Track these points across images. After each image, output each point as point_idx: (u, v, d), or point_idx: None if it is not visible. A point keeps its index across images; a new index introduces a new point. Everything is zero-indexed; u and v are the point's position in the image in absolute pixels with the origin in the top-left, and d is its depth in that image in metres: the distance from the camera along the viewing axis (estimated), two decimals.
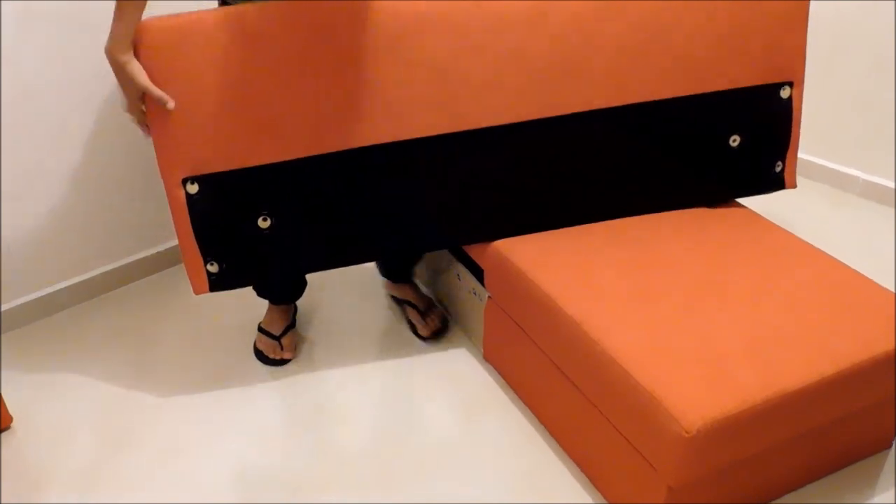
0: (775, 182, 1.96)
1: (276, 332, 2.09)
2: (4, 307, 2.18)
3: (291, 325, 2.13)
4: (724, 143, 1.88)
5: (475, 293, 2.02)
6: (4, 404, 1.86)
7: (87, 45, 2.03)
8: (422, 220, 1.82)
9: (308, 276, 2.18)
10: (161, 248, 2.43)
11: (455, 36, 1.70)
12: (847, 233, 2.52)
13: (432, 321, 2.16)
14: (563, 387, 1.70)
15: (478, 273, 1.96)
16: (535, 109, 1.77)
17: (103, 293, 2.35)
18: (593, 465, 1.70)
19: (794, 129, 1.92)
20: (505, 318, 1.88)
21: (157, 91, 1.57)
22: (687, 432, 1.33)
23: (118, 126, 2.18)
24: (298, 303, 2.24)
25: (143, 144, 2.25)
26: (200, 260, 1.73)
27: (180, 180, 1.65)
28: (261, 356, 2.09)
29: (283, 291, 2.11)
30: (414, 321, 2.17)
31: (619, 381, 1.46)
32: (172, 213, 1.68)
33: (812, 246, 1.79)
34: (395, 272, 2.21)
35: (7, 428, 1.89)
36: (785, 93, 1.88)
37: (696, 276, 1.67)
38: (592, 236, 1.81)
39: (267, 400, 1.96)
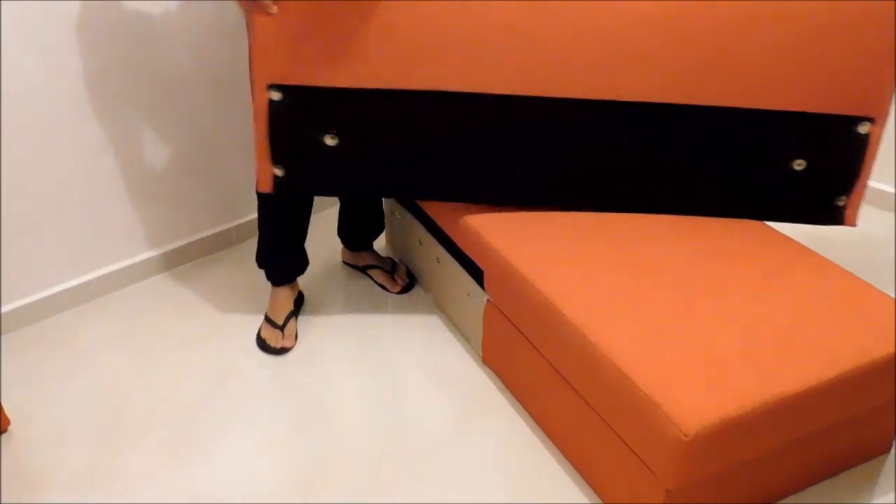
0: (834, 216, 1.89)
1: (279, 321, 2.15)
2: (5, 308, 2.18)
3: (294, 313, 2.19)
4: (787, 164, 1.83)
5: (472, 295, 2.01)
6: (2, 406, 1.86)
7: (89, 47, 2.03)
8: (469, 172, 1.89)
9: (313, 273, 2.19)
10: (163, 249, 2.42)
11: (535, 5, 1.73)
12: (846, 237, 2.52)
13: (400, 278, 2.33)
14: (561, 390, 1.70)
15: (475, 275, 1.96)
16: (602, 90, 1.78)
17: (104, 294, 2.35)
18: (591, 469, 1.69)
19: (865, 167, 1.83)
20: (504, 321, 1.88)
21: None
22: (685, 436, 1.33)
23: (125, 127, 2.18)
24: (306, 300, 2.25)
25: (150, 145, 2.25)
26: (270, 163, 1.86)
27: (266, 86, 1.78)
28: (263, 345, 2.14)
29: (284, 270, 2.18)
30: (382, 281, 2.34)
31: (618, 384, 1.46)
32: (254, 114, 1.81)
33: (812, 250, 1.79)
34: (357, 241, 2.36)
35: (5, 430, 1.89)
36: (863, 128, 1.79)
37: (695, 279, 1.67)
38: (592, 239, 1.81)
39: (267, 401, 1.96)
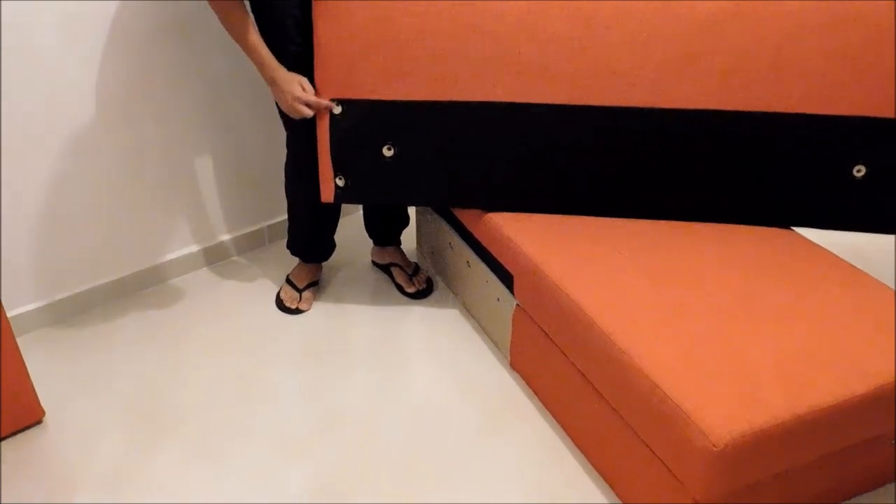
0: None
1: (300, 286, 2.31)
2: (42, 303, 2.22)
3: (315, 283, 2.35)
4: (846, 171, 1.79)
5: (502, 300, 2.01)
6: (38, 398, 1.90)
7: (129, 50, 2.07)
8: (522, 182, 1.93)
9: (343, 275, 2.21)
10: (194, 249, 2.46)
11: (583, 16, 1.76)
12: (880, 247, 2.48)
13: (419, 281, 2.37)
14: (590, 397, 1.69)
15: (505, 279, 1.96)
16: (647, 97, 1.79)
17: (139, 291, 2.39)
18: (618, 478, 1.69)
19: None
20: (533, 326, 1.87)
21: (313, 99, 1.87)
22: (715, 446, 1.32)
23: (156, 126, 2.21)
24: (334, 301, 2.27)
25: (187, 146, 2.28)
26: (331, 172, 1.97)
27: (329, 100, 1.88)
28: (280, 304, 2.30)
29: (312, 252, 2.32)
30: (400, 281, 2.37)
31: (648, 393, 1.45)
32: (318, 128, 1.92)
33: (845, 261, 1.77)
34: (384, 236, 2.40)
35: (39, 422, 1.92)
36: None
37: (728, 290, 1.66)
38: (624, 246, 1.81)
39: (294, 401, 1.98)
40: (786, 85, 1.75)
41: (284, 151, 2.12)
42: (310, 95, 1.87)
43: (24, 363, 1.82)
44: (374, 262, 2.48)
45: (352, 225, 2.66)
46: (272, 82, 1.87)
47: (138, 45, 2.08)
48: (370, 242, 2.45)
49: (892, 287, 1.68)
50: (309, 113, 1.88)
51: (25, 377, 1.84)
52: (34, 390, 1.88)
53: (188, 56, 2.18)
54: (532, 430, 1.88)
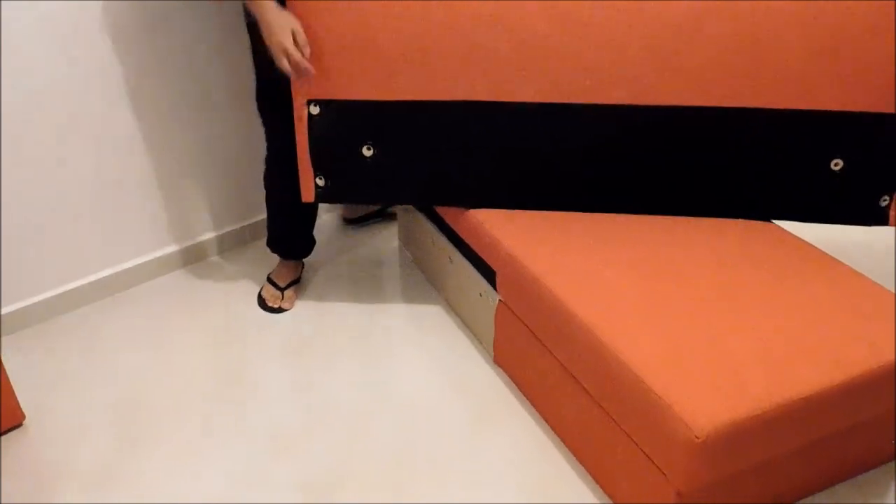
0: (877, 216, 1.87)
1: (282, 284, 2.30)
2: (24, 303, 2.20)
3: (296, 281, 2.34)
4: (824, 165, 1.82)
5: (484, 296, 2.02)
6: (17, 401, 1.88)
7: (89, 45, 2.04)
8: (501, 180, 1.94)
9: (322, 275, 2.19)
10: (177, 247, 2.44)
11: (561, 14, 1.76)
12: (861, 239, 2.51)
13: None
14: (573, 391, 1.70)
15: (487, 275, 1.96)
16: (625, 95, 1.80)
17: (121, 291, 2.37)
18: (603, 470, 1.69)
19: None
20: (516, 321, 1.88)
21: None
22: (697, 437, 1.33)
23: (137, 124, 2.19)
24: (316, 299, 2.26)
25: (169, 144, 2.27)
26: (311, 173, 1.98)
27: (305, 101, 1.89)
28: (262, 303, 2.29)
29: (292, 249, 2.30)
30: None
31: (630, 385, 1.46)
32: (296, 128, 1.93)
33: (825, 253, 1.78)
34: None
35: (20, 425, 1.90)
36: None
37: (708, 281, 1.67)
38: (606, 240, 1.81)
39: (282, 402, 1.97)
40: (764, 80, 1.76)
41: (265, 150, 2.12)
42: (296, 53, 1.76)
43: (2, 365, 1.80)
44: (348, 221, 2.54)
45: (330, 223, 2.66)
46: (264, 23, 1.77)
47: (116, 42, 2.06)
48: (349, 241, 2.46)
49: (875, 278, 1.70)
50: (289, 68, 1.78)
51: (4, 380, 1.82)
52: (13, 393, 1.86)
53: (167, 52, 2.16)
54: (517, 424, 1.88)
